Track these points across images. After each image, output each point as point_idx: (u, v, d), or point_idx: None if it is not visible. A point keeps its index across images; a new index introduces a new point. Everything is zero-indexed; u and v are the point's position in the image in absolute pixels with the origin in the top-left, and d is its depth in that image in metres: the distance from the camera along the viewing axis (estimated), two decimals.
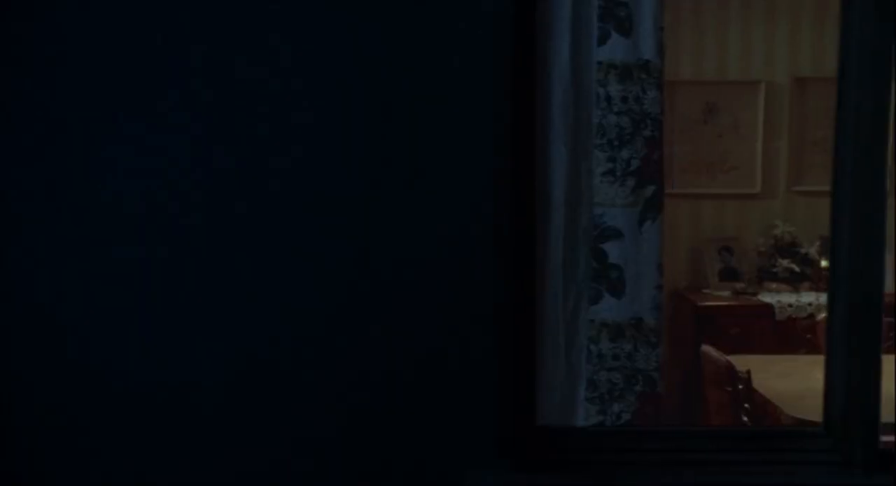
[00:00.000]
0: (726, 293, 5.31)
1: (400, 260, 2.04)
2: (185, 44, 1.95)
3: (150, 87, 1.95)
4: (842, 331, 2.17)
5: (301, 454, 2.05)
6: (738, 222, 5.56)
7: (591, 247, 2.21)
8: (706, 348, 3.70)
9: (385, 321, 2.06)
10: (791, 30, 5.47)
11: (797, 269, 5.30)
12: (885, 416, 2.21)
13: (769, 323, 5.04)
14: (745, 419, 3.45)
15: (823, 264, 5.39)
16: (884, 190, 2.11)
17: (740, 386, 3.42)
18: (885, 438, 2.16)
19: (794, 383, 3.74)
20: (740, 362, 4.28)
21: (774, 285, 5.32)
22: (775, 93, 5.48)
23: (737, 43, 5.49)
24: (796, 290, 5.28)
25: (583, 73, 2.17)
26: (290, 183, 2.00)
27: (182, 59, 1.95)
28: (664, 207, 2.25)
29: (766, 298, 5.20)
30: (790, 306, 5.06)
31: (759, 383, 3.75)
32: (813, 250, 5.36)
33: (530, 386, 2.12)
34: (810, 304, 5.11)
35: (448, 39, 1.99)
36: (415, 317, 2.07)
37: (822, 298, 5.20)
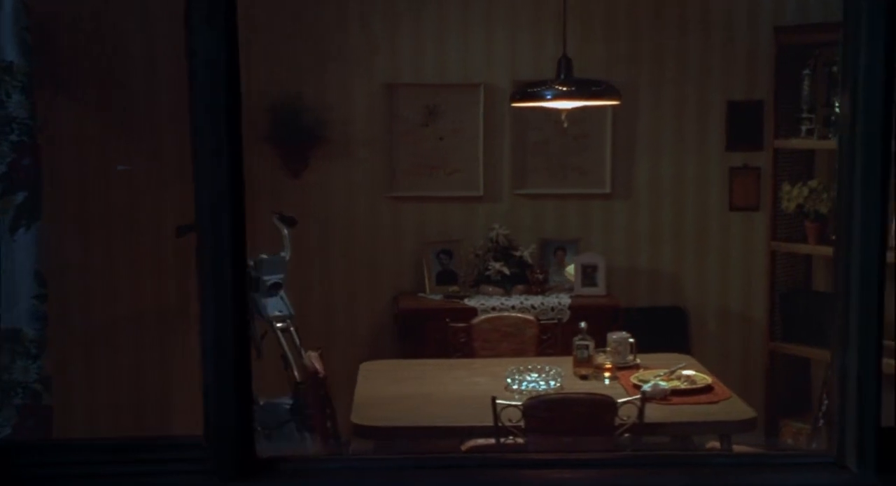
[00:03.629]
0: (439, 297, 5.30)
1: None
2: None
3: None
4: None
5: None
6: (462, 225, 5.54)
7: None
8: (309, 353, 3.66)
9: None
10: (510, 33, 5.47)
11: (508, 272, 5.29)
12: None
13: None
14: (329, 424, 3.42)
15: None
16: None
17: (322, 392, 3.38)
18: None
19: (406, 387, 3.72)
20: (414, 366, 4.26)
21: (491, 288, 5.32)
22: (495, 96, 5.47)
23: (456, 46, 5.48)
24: (508, 293, 5.28)
25: None
26: None
27: None
28: (41, 214, 2.18)
29: (479, 301, 5.19)
30: (493, 309, 5.05)
31: (378, 387, 3.73)
32: (527, 253, 5.37)
33: None
34: (513, 307, 5.11)
35: None
36: None
37: (530, 300, 5.22)
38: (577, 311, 5.15)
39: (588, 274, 5.38)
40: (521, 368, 3.70)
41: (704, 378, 3.63)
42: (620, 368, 3.83)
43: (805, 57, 5.22)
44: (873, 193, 1.89)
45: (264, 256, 4.68)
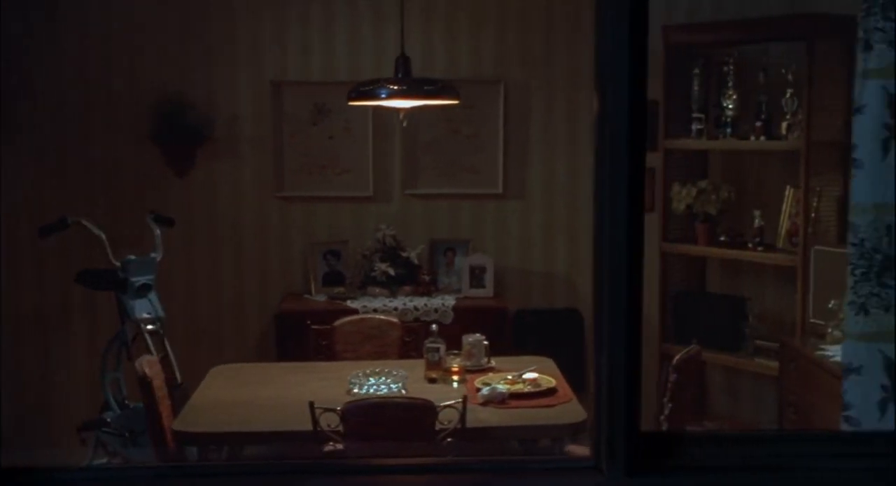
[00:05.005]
0: (324, 298, 5.22)
1: None
2: None
3: None
4: None
5: None
6: (352, 226, 5.46)
7: None
8: (142, 357, 3.57)
9: None
10: (399, 31, 5.38)
11: (394, 273, 5.22)
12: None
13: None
14: (157, 428, 3.33)
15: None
16: None
17: (148, 398, 3.29)
18: None
19: (247, 392, 3.64)
20: (264, 369, 4.19)
21: (377, 290, 5.24)
22: None
23: (344, 43, 5.40)
24: (394, 294, 5.21)
25: None
26: None
27: None
28: None
29: (363, 303, 5.11)
30: (376, 310, 4.97)
31: (219, 392, 3.65)
32: (414, 254, 5.29)
33: None
34: (396, 309, 5.04)
35: None
36: None
37: (414, 302, 5.14)
38: (462, 313, 5.09)
39: (476, 276, 5.32)
40: (367, 371, 3.63)
41: (549, 381, 3.56)
42: (474, 371, 3.76)
43: (694, 56, 5.18)
44: (621, 195, 1.87)
45: (132, 257, 4.57)
